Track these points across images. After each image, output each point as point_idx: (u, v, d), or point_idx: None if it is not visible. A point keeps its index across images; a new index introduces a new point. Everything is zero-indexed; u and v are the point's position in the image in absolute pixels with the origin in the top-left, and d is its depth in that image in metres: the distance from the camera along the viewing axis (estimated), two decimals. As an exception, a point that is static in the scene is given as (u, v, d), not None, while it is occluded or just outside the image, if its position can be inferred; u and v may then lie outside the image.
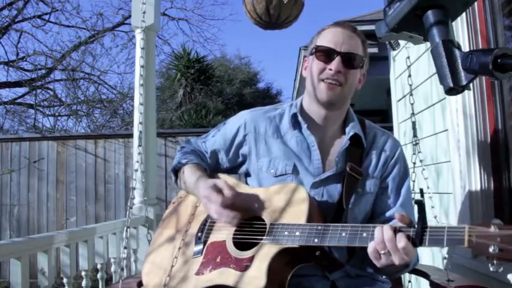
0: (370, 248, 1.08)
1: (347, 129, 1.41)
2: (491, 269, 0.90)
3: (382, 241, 1.05)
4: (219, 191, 1.28)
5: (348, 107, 1.46)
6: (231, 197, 1.27)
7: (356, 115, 1.49)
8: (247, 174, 1.50)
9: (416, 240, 1.02)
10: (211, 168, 1.52)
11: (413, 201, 1.17)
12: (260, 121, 1.46)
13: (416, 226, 1.03)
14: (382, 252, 1.06)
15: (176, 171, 1.53)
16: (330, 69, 1.33)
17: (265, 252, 1.18)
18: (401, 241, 1.03)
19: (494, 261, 0.90)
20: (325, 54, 1.35)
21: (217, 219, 1.29)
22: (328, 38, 1.37)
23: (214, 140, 1.52)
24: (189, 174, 1.45)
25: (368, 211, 1.40)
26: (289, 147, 1.40)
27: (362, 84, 1.44)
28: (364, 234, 1.10)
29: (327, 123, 1.41)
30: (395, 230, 1.05)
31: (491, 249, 0.90)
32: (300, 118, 1.41)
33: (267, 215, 1.27)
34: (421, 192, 1.14)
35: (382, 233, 1.06)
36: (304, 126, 1.40)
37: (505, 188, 1.99)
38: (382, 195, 1.40)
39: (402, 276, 1.56)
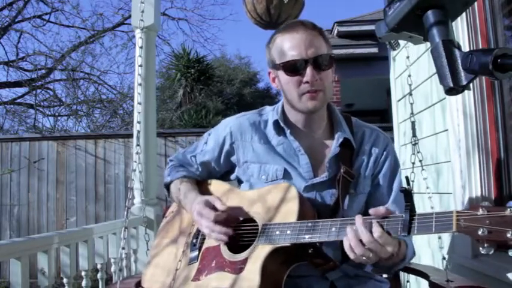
0: (346, 244, 1.07)
1: (336, 135, 1.37)
2: (482, 252, 0.90)
3: (356, 236, 1.05)
4: (211, 207, 1.28)
5: (330, 104, 1.43)
6: (223, 212, 1.26)
7: (340, 112, 1.45)
8: (239, 181, 1.49)
9: (405, 229, 1.01)
10: (203, 178, 1.52)
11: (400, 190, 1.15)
12: (245, 128, 1.43)
13: (404, 215, 1.02)
14: (358, 248, 1.05)
15: (168, 185, 1.54)
16: (306, 82, 1.27)
17: (258, 253, 1.19)
18: (376, 231, 1.03)
19: (485, 244, 0.89)
20: (295, 68, 1.28)
21: (207, 234, 1.29)
22: (290, 48, 1.29)
23: (203, 152, 1.50)
24: (180, 188, 1.45)
25: (362, 210, 1.38)
26: (277, 153, 1.38)
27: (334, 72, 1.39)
28: (354, 227, 1.09)
29: (311, 128, 1.38)
30: (371, 224, 1.05)
31: (480, 232, 0.89)
32: (282, 124, 1.38)
33: (258, 216, 1.27)
34: (407, 180, 1.12)
35: (355, 230, 1.06)
36: (287, 131, 1.37)
37: (505, 188, 1.99)
38: (375, 193, 1.39)
39: (401, 276, 1.55)
